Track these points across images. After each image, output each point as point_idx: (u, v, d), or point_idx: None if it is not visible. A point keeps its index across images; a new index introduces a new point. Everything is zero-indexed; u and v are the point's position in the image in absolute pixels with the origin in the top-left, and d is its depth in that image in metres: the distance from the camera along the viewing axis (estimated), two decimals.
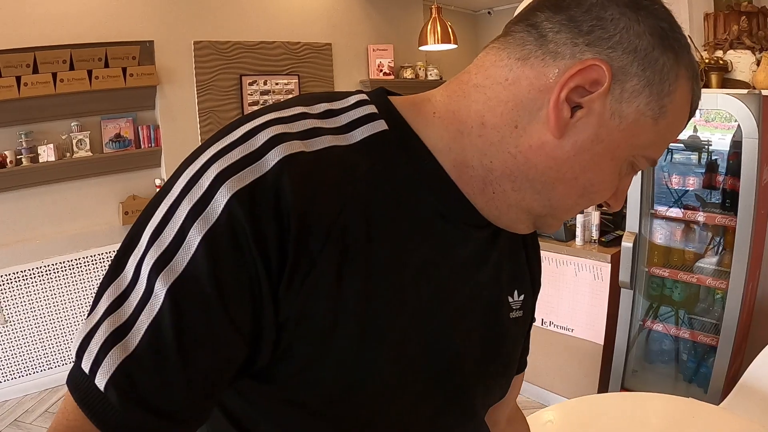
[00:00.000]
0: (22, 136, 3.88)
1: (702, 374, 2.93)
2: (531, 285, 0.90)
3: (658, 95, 0.63)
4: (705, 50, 2.80)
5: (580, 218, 3.20)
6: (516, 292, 0.85)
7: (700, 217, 2.80)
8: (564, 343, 3.27)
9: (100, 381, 0.55)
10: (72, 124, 4.10)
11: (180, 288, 0.56)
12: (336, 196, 0.61)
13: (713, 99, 2.55)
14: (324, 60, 5.27)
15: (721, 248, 2.90)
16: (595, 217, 3.21)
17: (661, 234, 3.00)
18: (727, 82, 2.67)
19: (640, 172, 2.76)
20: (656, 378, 3.12)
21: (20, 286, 3.93)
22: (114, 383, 0.55)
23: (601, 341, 3.07)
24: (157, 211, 0.60)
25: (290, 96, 5.01)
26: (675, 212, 2.87)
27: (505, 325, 0.83)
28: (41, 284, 4.01)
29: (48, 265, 4.02)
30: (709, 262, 2.89)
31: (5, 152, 3.85)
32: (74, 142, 4.11)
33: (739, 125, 2.51)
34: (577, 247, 3.19)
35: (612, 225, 3.32)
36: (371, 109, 0.68)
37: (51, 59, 3.82)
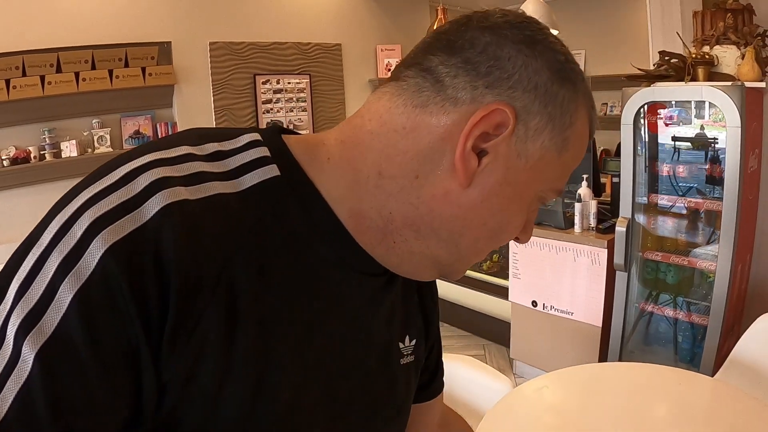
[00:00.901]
0: (46, 132, 4.07)
1: (697, 355, 3.04)
2: (424, 328, 0.87)
3: (560, 129, 0.62)
4: (693, 46, 2.94)
5: (578, 207, 3.34)
6: (407, 337, 0.82)
7: (691, 203, 2.94)
8: (564, 327, 3.41)
9: None
10: (93, 122, 4.28)
11: (50, 352, 0.49)
12: (221, 249, 0.56)
13: (698, 91, 2.70)
14: (334, 60, 5.46)
15: (711, 233, 3.03)
16: (592, 205, 3.35)
17: (653, 220, 3.15)
18: (713, 76, 2.82)
19: (631, 161, 2.93)
20: (653, 359, 3.24)
21: None
22: None
23: (600, 323, 3.21)
24: (25, 262, 0.53)
25: (302, 95, 5.19)
26: (666, 199, 3.01)
27: (396, 372, 0.80)
28: None
29: None
30: (702, 246, 3.03)
31: (29, 148, 4.04)
32: (95, 138, 4.30)
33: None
34: (575, 234, 3.33)
35: (609, 214, 3.46)
36: (263, 152, 0.63)
37: (74, 59, 4.00)
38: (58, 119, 4.16)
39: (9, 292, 0.53)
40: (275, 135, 0.66)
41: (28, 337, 0.49)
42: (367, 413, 0.76)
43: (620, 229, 3.01)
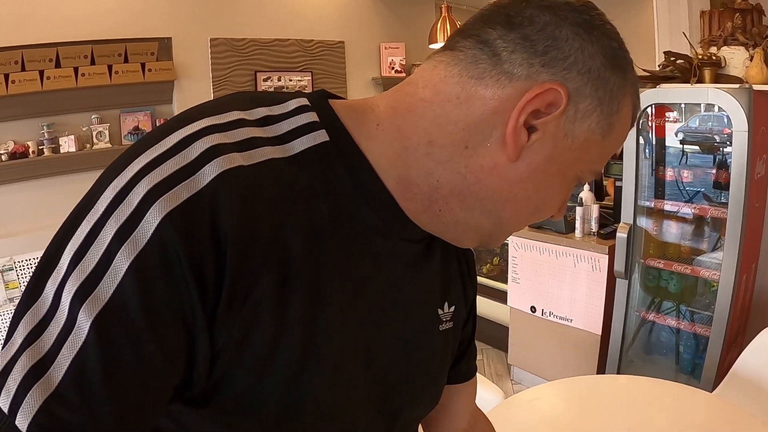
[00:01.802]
0: (45, 127, 4.02)
1: (699, 366, 2.98)
2: (463, 295, 0.88)
3: (608, 114, 0.64)
4: (700, 46, 2.87)
5: (579, 211, 3.28)
6: (446, 303, 0.83)
7: (696, 209, 2.87)
8: (563, 334, 3.35)
9: (22, 422, 0.49)
10: (92, 117, 4.23)
11: (106, 320, 0.50)
12: (274, 215, 0.57)
13: (704, 93, 2.63)
14: (337, 57, 5.38)
15: (717, 240, 2.96)
16: (594, 210, 3.29)
17: (657, 225, 3.08)
18: (720, 78, 2.74)
19: (634, 165, 2.86)
20: (653, 369, 3.18)
21: None
22: (37, 425, 0.49)
23: (599, 331, 3.15)
24: (80, 229, 0.54)
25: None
26: (671, 204, 2.94)
27: (434, 338, 0.82)
28: None
29: None
30: (705, 254, 2.96)
31: (28, 143, 3.99)
32: (94, 134, 4.24)
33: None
34: (576, 239, 3.27)
35: (611, 218, 3.39)
36: (312, 117, 0.64)
37: (73, 54, 3.96)
38: (57, 114, 4.11)
39: (63, 258, 0.53)
40: (322, 100, 0.67)
41: (84, 305, 0.50)
42: (406, 378, 0.78)
43: (621, 235, 2.94)
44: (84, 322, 0.50)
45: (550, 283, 3.38)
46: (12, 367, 0.51)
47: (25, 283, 3.90)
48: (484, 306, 4.09)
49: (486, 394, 2.13)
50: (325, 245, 0.62)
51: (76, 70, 3.98)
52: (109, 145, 4.28)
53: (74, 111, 4.16)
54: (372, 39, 5.64)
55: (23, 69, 3.79)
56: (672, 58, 2.94)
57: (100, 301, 0.50)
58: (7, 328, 0.54)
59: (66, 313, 0.51)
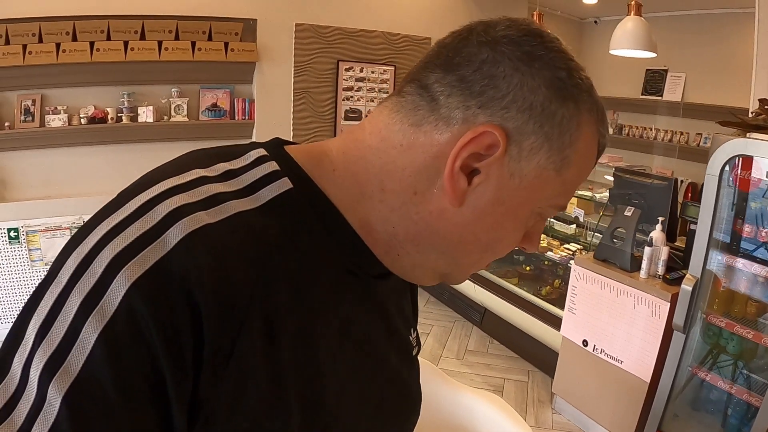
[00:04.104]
0: (125, 96, 4.14)
1: None
2: (414, 317, 0.89)
3: (558, 148, 0.61)
4: None
5: (647, 251, 3.12)
6: (412, 329, 0.85)
7: (765, 271, 2.68)
8: (612, 374, 3.22)
9: None
10: (172, 90, 4.33)
11: (77, 395, 0.48)
12: (250, 269, 0.56)
13: None
14: (422, 53, 5.19)
15: None
16: (663, 252, 3.13)
17: (725, 280, 2.90)
18: None
19: (710, 216, 2.69)
20: (697, 427, 3.03)
21: None
22: None
23: (648, 379, 3.01)
24: (44, 302, 0.52)
25: (385, 86, 5.09)
26: (743, 262, 2.76)
27: (412, 364, 0.84)
28: None
29: None
30: None
31: (107, 109, 4.13)
32: (173, 106, 4.34)
33: None
34: (640, 280, 3.13)
35: (680, 262, 3.23)
36: (273, 166, 0.64)
37: (158, 28, 4.03)
38: (138, 84, 4.22)
39: (28, 332, 0.52)
40: (279, 148, 0.67)
41: (53, 380, 0.49)
42: (397, 408, 0.79)
43: (686, 287, 2.79)
44: (54, 398, 0.48)
45: (607, 320, 3.25)
46: None
47: None
48: (538, 328, 4.00)
49: (514, 429, 2.06)
50: (305, 292, 0.61)
51: (159, 44, 4.06)
52: (186, 119, 4.36)
53: (155, 83, 4.27)
54: None
55: (108, 38, 3.89)
56: (767, 107, 2.75)
57: (70, 375, 0.49)
58: None
59: (35, 389, 0.49)
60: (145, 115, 4.22)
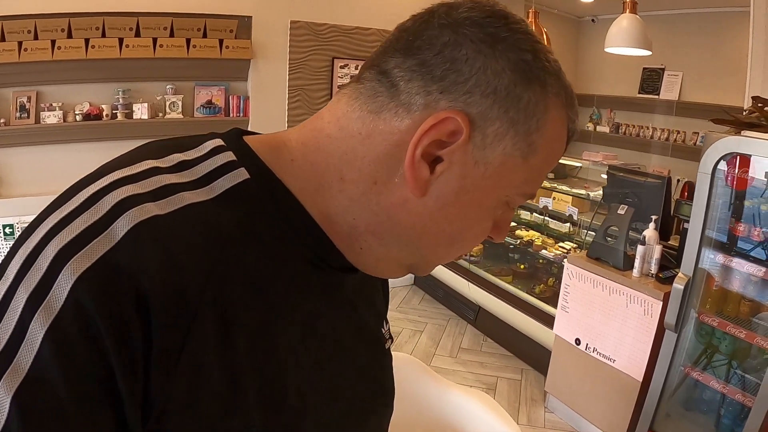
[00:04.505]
0: (120, 92, 4.13)
1: None
2: (386, 310, 0.88)
3: (525, 134, 0.59)
4: None
5: (640, 249, 3.12)
6: (384, 321, 0.83)
7: (761, 270, 2.68)
8: (604, 372, 3.22)
9: None
10: (167, 87, 4.31)
11: (27, 394, 0.47)
12: (201, 262, 0.54)
13: None
14: None
15: None
16: (656, 251, 3.12)
17: (718, 279, 2.89)
18: None
19: (703, 214, 2.69)
20: (689, 426, 3.03)
21: None
22: None
23: (640, 378, 3.00)
24: None
25: None
26: (736, 261, 2.76)
27: (385, 358, 0.82)
28: None
29: None
30: (766, 319, 2.77)
31: (102, 106, 4.12)
32: (167, 103, 4.33)
33: None
34: (633, 278, 3.12)
35: (674, 261, 3.22)
36: (229, 156, 0.62)
37: (153, 25, 4.02)
38: (133, 81, 4.21)
39: None
40: (237, 138, 0.65)
41: (2, 380, 0.47)
42: (369, 404, 0.77)
43: (678, 286, 2.78)
44: (4, 398, 0.47)
45: (599, 319, 3.25)
46: None
47: None
48: (532, 327, 4.00)
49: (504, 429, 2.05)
50: (263, 286, 0.59)
51: (154, 40, 4.05)
52: (181, 116, 4.36)
53: (150, 80, 4.26)
54: None
55: (103, 35, 3.88)
56: (760, 105, 2.74)
57: (19, 374, 0.47)
58: None
59: None
60: (140, 112, 4.21)
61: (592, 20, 6.35)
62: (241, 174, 0.61)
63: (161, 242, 0.52)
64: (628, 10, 3.87)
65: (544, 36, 4.53)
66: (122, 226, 0.51)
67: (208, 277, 0.54)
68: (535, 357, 4.06)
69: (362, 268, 0.69)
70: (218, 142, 0.64)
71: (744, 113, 2.85)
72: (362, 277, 0.72)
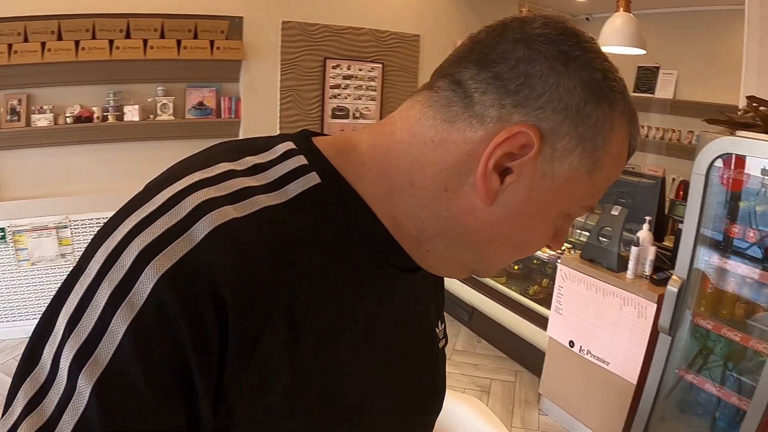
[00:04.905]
0: (111, 95, 4.11)
1: None
2: (442, 309, 0.90)
3: (591, 150, 0.61)
4: None
5: (634, 251, 3.10)
6: (439, 321, 0.86)
7: (756, 272, 2.65)
8: (598, 375, 3.20)
9: None
10: (158, 89, 4.29)
11: (106, 385, 0.50)
12: (275, 265, 0.56)
13: None
14: (411, 51, 5.25)
15: None
16: (650, 252, 3.10)
17: (713, 281, 2.87)
18: None
19: (697, 216, 2.66)
20: (684, 429, 3.00)
21: (94, 231, 4.14)
22: None
23: (635, 381, 2.98)
24: (73, 293, 0.54)
25: (373, 83, 5.05)
26: (731, 263, 2.73)
27: (438, 357, 0.84)
28: None
29: None
30: (761, 318, 2.75)
31: (93, 108, 4.10)
32: (159, 105, 4.31)
33: None
34: (626, 280, 3.10)
35: (668, 262, 3.19)
36: (301, 160, 0.63)
37: (144, 27, 4.01)
38: (124, 83, 4.19)
39: (58, 323, 0.53)
40: (307, 141, 0.67)
41: (83, 370, 0.50)
42: (420, 402, 0.80)
43: (672, 289, 2.76)
44: (84, 388, 0.50)
45: (593, 321, 3.23)
46: None
47: (77, 242, 4.02)
48: (525, 328, 3.97)
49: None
50: (329, 289, 0.61)
51: (145, 42, 4.04)
52: (172, 117, 4.34)
53: (141, 81, 4.24)
54: (449, 35, 5.45)
55: (94, 37, 3.87)
56: (755, 104, 2.71)
57: (99, 365, 0.50)
58: (24, 348, 0.55)
59: (65, 378, 0.51)
60: (131, 114, 4.19)
61: (587, 19, 6.33)
62: (313, 178, 0.63)
63: (238, 245, 0.54)
64: (622, 9, 3.84)
65: None
66: (202, 228, 0.53)
67: (280, 280, 0.56)
68: (529, 359, 4.03)
69: (427, 268, 0.71)
70: (289, 145, 0.66)
71: (739, 113, 2.82)
72: (423, 276, 0.74)
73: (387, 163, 0.65)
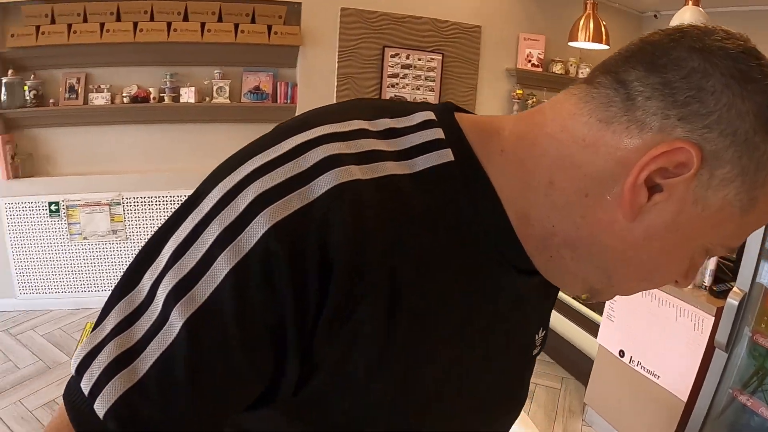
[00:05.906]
0: (168, 76, 4.14)
1: None
2: (549, 317, 0.85)
3: (750, 185, 0.55)
4: None
5: None
6: (541, 328, 0.80)
7: None
8: (647, 388, 3.06)
9: (100, 408, 0.50)
10: (215, 72, 4.31)
11: (198, 322, 0.50)
12: (386, 236, 0.53)
13: None
14: (471, 42, 5.10)
15: None
16: (711, 261, 2.94)
17: None
18: None
19: (764, 227, 2.49)
20: None
21: (146, 209, 4.26)
22: (114, 413, 0.50)
23: (685, 398, 2.84)
24: (183, 226, 0.53)
25: (432, 74, 4.96)
26: None
27: (528, 364, 0.81)
28: (166, 212, 4.29)
29: (174, 196, 4.28)
30: None
31: (150, 89, 4.14)
32: (215, 88, 4.32)
33: None
34: (684, 290, 2.95)
35: (730, 273, 3.02)
36: (438, 133, 0.60)
37: (201, 10, 4.02)
38: (181, 65, 4.23)
39: (163, 252, 0.53)
40: (449, 114, 0.63)
41: (178, 304, 0.50)
42: (498, 406, 0.78)
43: (732, 302, 2.60)
44: (176, 321, 0.50)
45: (646, 330, 3.08)
46: (98, 352, 0.52)
47: (129, 219, 4.09)
48: (575, 333, 3.84)
49: None
50: (435, 274, 0.58)
51: (202, 25, 4.04)
52: (228, 101, 4.34)
53: (198, 64, 4.27)
54: (511, 27, 5.28)
55: (152, 19, 3.89)
56: None
57: (195, 302, 0.50)
58: (108, 295, 0.55)
59: (160, 308, 0.51)
60: (187, 96, 4.22)
61: (654, 16, 6.07)
62: (446, 155, 0.59)
63: (356, 208, 0.52)
64: (691, 2, 3.65)
65: (603, 31, 4.33)
66: (324, 183, 0.52)
67: (389, 253, 0.54)
68: (577, 366, 3.90)
69: (546, 275, 0.66)
70: (429, 115, 0.62)
71: None
72: (538, 282, 0.68)
73: (529, 155, 0.60)
